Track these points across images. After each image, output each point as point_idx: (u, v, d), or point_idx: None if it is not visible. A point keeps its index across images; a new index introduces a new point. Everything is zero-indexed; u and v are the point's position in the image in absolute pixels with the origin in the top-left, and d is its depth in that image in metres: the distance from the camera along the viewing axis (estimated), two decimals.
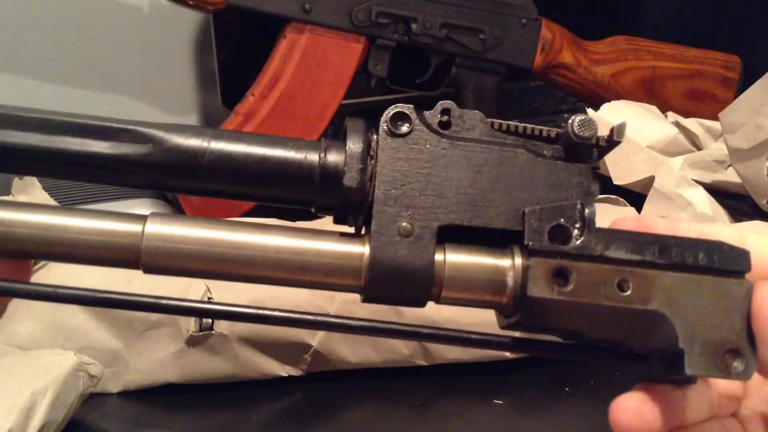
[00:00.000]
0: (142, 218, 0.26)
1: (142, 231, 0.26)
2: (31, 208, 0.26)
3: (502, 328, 0.28)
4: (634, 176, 0.72)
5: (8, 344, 0.51)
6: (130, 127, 0.26)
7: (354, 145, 0.27)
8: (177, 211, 0.71)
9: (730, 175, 0.74)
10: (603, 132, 0.27)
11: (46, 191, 0.61)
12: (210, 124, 0.97)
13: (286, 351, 0.54)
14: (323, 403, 0.54)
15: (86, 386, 0.50)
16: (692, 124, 0.79)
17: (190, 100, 0.96)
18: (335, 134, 0.92)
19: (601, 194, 0.67)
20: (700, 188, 0.70)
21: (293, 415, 0.53)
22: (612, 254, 0.26)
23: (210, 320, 0.52)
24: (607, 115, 0.76)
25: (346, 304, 0.52)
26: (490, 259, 0.27)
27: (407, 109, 0.27)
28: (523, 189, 0.27)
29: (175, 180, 0.27)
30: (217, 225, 0.27)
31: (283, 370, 0.54)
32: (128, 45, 0.90)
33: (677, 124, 0.79)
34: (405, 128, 0.27)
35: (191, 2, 0.71)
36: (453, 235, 0.27)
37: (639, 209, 0.67)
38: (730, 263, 0.27)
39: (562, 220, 0.26)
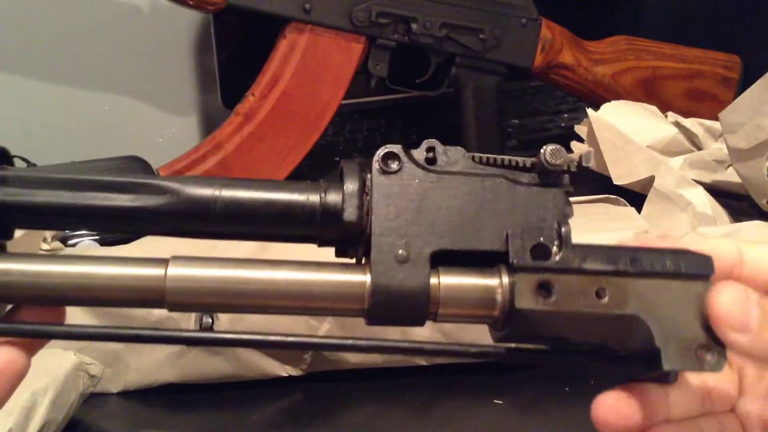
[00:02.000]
0: (164, 262, 0.29)
1: (165, 274, 0.28)
2: (66, 259, 0.29)
3: (496, 341, 0.31)
4: (634, 176, 0.72)
5: None
6: (149, 181, 0.29)
7: (350, 184, 0.29)
8: None
9: (730, 175, 0.74)
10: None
11: None
12: (210, 124, 0.97)
13: (286, 351, 0.54)
14: (323, 403, 0.54)
15: (86, 386, 0.50)
16: (692, 124, 0.79)
17: (190, 100, 0.96)
18: (335, 135, 0.92)
19: (601, 194, 0.67)
20: (700, 188, 0.70)
21: (293, 415, 0.53)
22: (588, 266, 0.29)
23: (210, 320, 0.52)
24: (607, 115, 0.76)
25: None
26: (480, 278, 0.29)
27: (396, 149, 0.30)
28: (504, 214, 0.30)
29: (192, 225, 0.29)
30: (231, 264, 0.29)
31: (283, 370, 0.54)
32: (128, 45, 0.90)
33: (677, 124, 0.79)
34: (395, 166, 0.29)
35: (191, 2, 0.71)
36: (445, 258, 0.30)
37: (639, 209, 0.67)
38: (696, 268, 0.30)
39: (541, 239, 0.29)
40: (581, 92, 0.88)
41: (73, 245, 0.63)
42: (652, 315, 0.29)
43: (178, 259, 0.29)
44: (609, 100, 0.81)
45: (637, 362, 0.30)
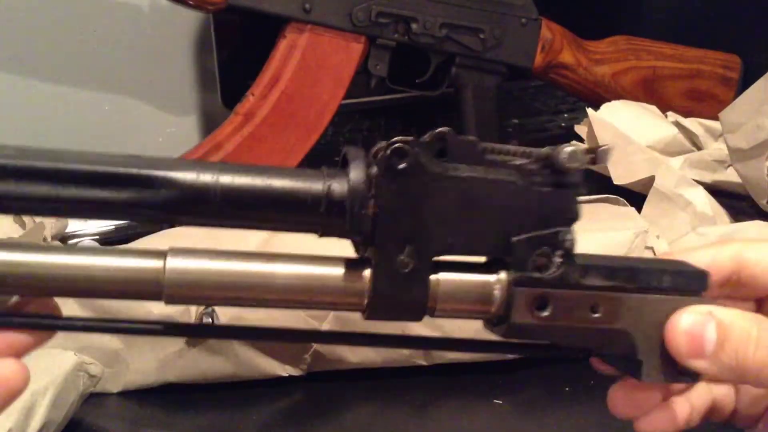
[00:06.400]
0: (163, 254, 0.28)
1: (164, 266, 0.28)
2: (63, 250, 0.28)
3: (488, 331, 0.31)
4: (634, 176, 0.72)
5: None
6: (141, 172, 0.27)
7: (356, 180, 0.28)
8: None
9: (730, 175, 0.74)
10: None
11: None
12: (210, 124, 0.97)
13: (286, 351, 0.54)
14: (323, 403, 0.54)
15: (86, 386, 0.50)
16: (692, 124, 0.79)
17: (190, 100, 0.96)
18: (335, 135, 0.92)
19: (601, 194, 0.67)
20: (700, 188, 0.70)
21: (293, 415, 0.53)
22: (586, 281, 0.29)
23: (210, 320, 0.52)
24: (607, 115, 0.76)
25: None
26: (479, 279, 0.30)
27: (405, 144, 0.28)
28: (511, 218, 0.29)
29: (188, 217, 0.28)
30: (231, 256, 0.29)
31: (283, 370, 0.54)
32: (128, 45, 0.90)
33: (677, 124, 0.79)
34: (403, 165, 0.28)
35: (191, 2, 0.71)
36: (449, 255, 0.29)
37: (639, 209, 0.67)
38: (690, 284, 0.30)
39: (545, 248, 0.29)
40: (581, 92, 0.88)
41: (73, 245, 0.63)
42: (640, 329, 0.30)
43: (176, 251, 0.28)
44: (609, 100, 0.81)
45: (619, 363, 0.32)
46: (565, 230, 0.29)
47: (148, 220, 0.30)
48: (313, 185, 0.28)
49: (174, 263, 0.28)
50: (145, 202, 0.27)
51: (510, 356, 0.54)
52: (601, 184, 0.73)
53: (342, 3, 0.73)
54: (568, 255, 0.29)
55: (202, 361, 0.53)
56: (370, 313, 0.29)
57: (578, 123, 0.82)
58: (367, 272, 0.29)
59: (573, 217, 0.29)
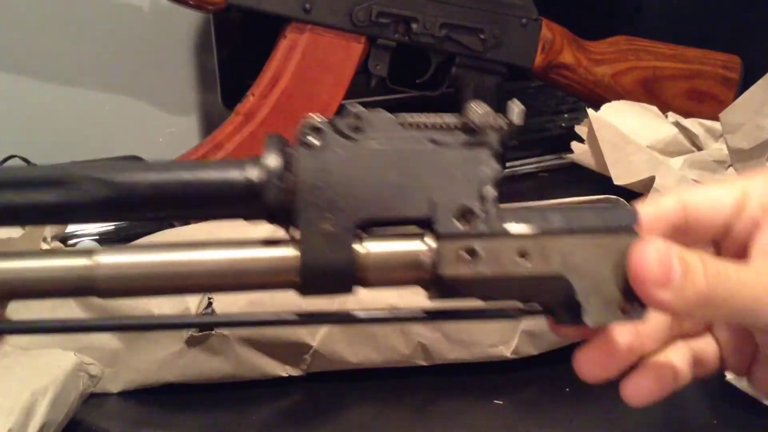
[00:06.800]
0: (92, 251, 0.29)
1: (93, 262, 0.29)
2: None
3: (431, 299, 0.32)
4: (634, 176, 0.72)
5: (8, 344, 0.51)
6: (69, 172, 0.29)
7: (272, 161, 0.29)
8: None
9: (730, 176, 0.74)
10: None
11: None
12: (210, 124, 0.97)
13: (286, 351, 0.54)
14: (323, 403, 0.54)
15: (86, 386, 0.50)
16: (692, 124, 0.79)
17: (190, 100, 0.96)
18: None
19: (601, 194, 0.67)
20: None
21: (293, 415, 0.53)
22: (512, 229, 0.30)
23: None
24: (607, 115, 0.76)
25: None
26: (405, 244, 0.30)
27: (319, 122, 0.29)
28: (430, 179, 0.30)
29: (122, 213, 0.30)
30: (160, 248, 0.30)
31: (284, 370, 0.54)
32: (128, 45, 0.90)
33: (677, 125, 0.79)
34: (318, 141, 0.29)
35: (191, 2, 0.71)
36: (373, 225, 0.30)
37: None
38: (618, 222, 0.31)
39: (466, 203, 0.30)
40: (581, 92, 0.88)
41: (73, 245, 0.63)
42: (574, 271, 0.30)
43: (106, 248, 0.30)
44: (609, 100, 0.81)
45: (564, 314, 0.32)
46: (485, 185, 0.30)
47: (86, 219, 0.32)
48: (232, 173, 0.29)
49: (105, 259, 0.29)
50: (80, 203, 0.29)
51: (510, 356, 0.55)
52: (601, 184, 0.73)
53: (342, 3, 0.73)
54: (491, 207, 0.30)
55: (202, 361, 0.53)
56: (303, 289, 0.30)
57: (578, 123, 0.82)
58: (295, 249, 0.29)
59: (491, 172, 0.30)
